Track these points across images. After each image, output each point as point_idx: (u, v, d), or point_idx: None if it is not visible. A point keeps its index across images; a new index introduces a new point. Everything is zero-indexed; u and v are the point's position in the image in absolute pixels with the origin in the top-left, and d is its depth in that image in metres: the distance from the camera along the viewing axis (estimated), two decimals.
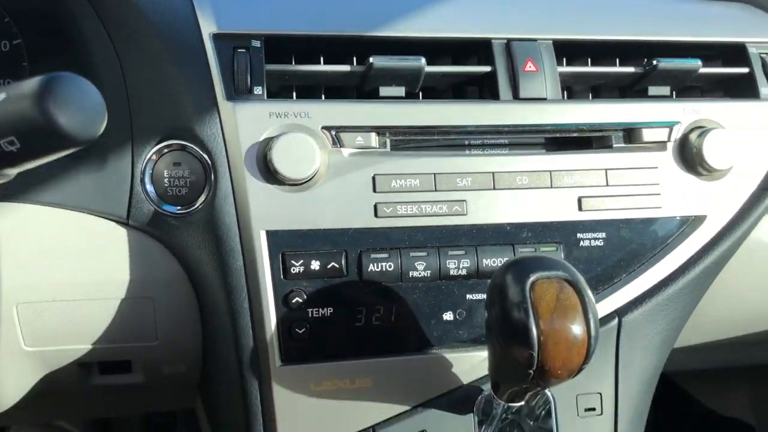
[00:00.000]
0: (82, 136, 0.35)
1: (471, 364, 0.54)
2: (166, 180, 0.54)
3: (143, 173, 0.53)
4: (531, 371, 0.43)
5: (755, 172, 0.60)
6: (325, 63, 0.56)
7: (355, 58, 0.55)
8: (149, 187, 0.53)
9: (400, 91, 0.56)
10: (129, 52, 0.55)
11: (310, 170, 0.51)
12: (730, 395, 1.33)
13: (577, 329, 0.42)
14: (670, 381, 1.32)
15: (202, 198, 0.53)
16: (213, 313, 0.55)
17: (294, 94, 0.56)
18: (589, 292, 0.43)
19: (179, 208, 0.54)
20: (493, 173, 0.55)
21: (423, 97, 0.57)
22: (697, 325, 0.72)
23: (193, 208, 0.53)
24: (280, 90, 0.56)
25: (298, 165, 0.51)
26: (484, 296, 0.54)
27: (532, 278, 0.43)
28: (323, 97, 0.56)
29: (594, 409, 0.55)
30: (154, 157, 0.53)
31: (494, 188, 0.55)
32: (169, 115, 0.53)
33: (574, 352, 0.42)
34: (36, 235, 0.54)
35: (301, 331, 0.52)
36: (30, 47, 0.59)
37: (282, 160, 0.51)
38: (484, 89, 0.58)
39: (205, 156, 0.53)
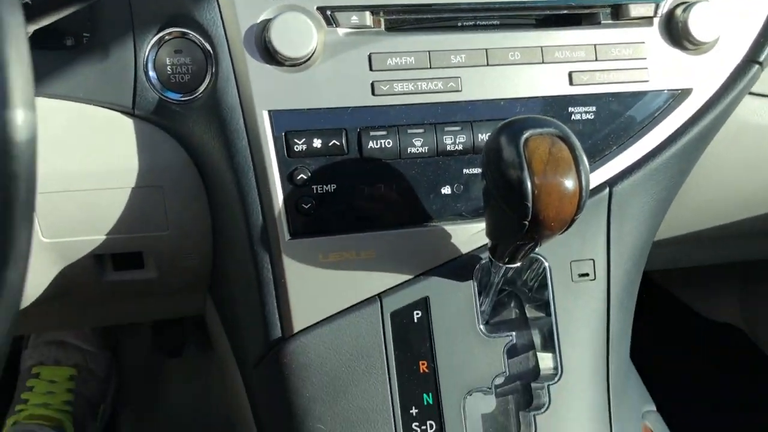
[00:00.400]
0: None
1: (469, 235, 0.57)
2: (168, 68, 0.55)
3: (146, 62, 0.55)
4: (526, 222, 0.45)
5: (739, 45, 0.62)
6: None
7: None
8: (152, 75, 0.55)
9: None
10: None
11: (307, 48, 0.53)
12: (719, 298, 1.38)
13: (568, 181, 0.44)
14: (657, 284, 1.36)
15: (204, 83, 0.55)
16: (222, 197, 0.57)
17: None
18: (580, 147, 0.46)
19: (183, 94, 0.55)
20: (486, 50, 0.56)
21: None
22: (684, 213, 0.75)
23: (197, 93, 0.55)
24: None
25: (296, 44, 0.53)
26: (479, 170, 0.56)
27: (525, 135, 0.45)
28: None
29: (587, 275, 0.58)
30: (155, 45, 0.55)
31: (487, 64, 0.56)
32: (169, 3, 0.55)
33: (566, 203, 0.45)
34: (44, 127, 0.55)
35: (307, 207, 0.54)
36: None
37: (280, 40, 0.52)
38: None
39: (205, 42, 0.55)
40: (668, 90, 0.61)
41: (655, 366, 0.82)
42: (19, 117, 0.28)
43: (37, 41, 0.44)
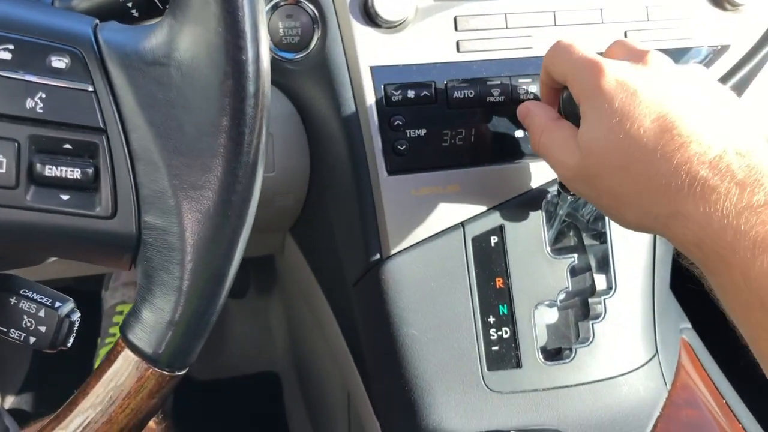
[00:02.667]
0: None
1: (538, 171, 0.66)
2: (280, 30, 0.64)
3: None
4: None
5: None
6: None
7: None
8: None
9: None
10: None
11: (405, 13, 0.62)
12: None
13: None
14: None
15: (313, 43, 0.64)
16: (325, 142, 0.67)
17: None
18: None
19: (295, 54, 0.65)
20: (554, 12, 0.65)
21: None
22: None
23: (307, 51, 0.65)
24: None
25: (396, 9, 0.62)
26: None
27: None
28: None
29: None
30: (269, 11, 0.64)
31: (555, 24, 0.65)
32: None
33: None
34: None
35: (401, 148, 0.64)
36: None
37: (383, 6, 0.62)
38: None
39: (314, 8, 0.64)
40: (709, 46, 0.69)
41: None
42: (264, 52, 0.36)
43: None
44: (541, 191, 0.66)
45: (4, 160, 0.34)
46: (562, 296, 0.67)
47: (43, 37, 0.35)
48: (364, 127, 0.64)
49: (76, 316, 0.44)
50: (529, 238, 0.66)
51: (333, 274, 0.75)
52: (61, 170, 0.35)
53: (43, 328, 0.42)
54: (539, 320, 0.66)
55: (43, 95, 0.35)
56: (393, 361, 0.66)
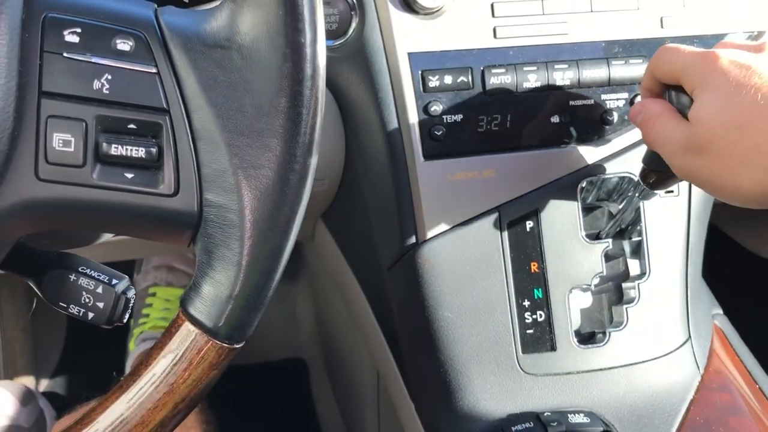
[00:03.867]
0: None
1: (572, 158, 0.67)
2: None
3: None
4: None
5: None
6: None
7: None
8: None
9: None
10: None
11: (443, 0, 0.63)
12: None
13: None
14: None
15: (351, 30, 0.65)
16: (362, 128, 0.68)
17: None
18: None
19: (332, 41, 0.66)
20: None
21: None
22: None
23: (345, 38, 0.66)
24: None
25: None
26: (583, 102, 0.66)
27: None
28: None
29: (672, 191, 0.68)
30: None
31: (591, 11, 0.66)
32: None
33: None
34: None
35: (438, 134, 0.65)
36: None
37: None
38: None
39: None
40: (744, 32, 0.69)
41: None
42: (321, 34, 0.38)
43: None
44: (577, 176, 0.67)
45: (72, 140, 0.35)
46: (596, 281, 0.67)
47: (108, 20, 0.37)
48: (401, 113, 0.65)
49: (132, 293, 0.46)
50: (564, 223, 0.67)
51: (366, 258, 0.77)
52: (126, 149, 0.36)
53: (101, 304, 0.44)
54: (573, 304, 0.67)
55: (109, 77, 0.36)
56: (428, 343, 0.67)
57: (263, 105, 0.36)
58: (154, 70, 0.36)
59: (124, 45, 0.36)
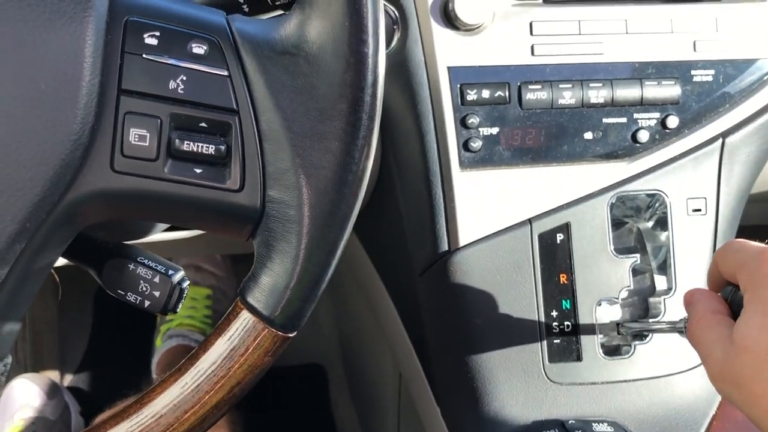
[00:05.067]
0: None
1: (603, 174, 0.69)
2: None
3: None
4: None
5: None
6: None
7: None
8: None
9: None
10: None
11: (484, 16, 0.65)
12: None
13: None
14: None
15: (393, 43, 0.68)
16: (400, 139, 0.70)
17: None
18: None
19: None
20: (626, 20, 0.68)
21: None
22: None
23: (388, 51, 0.68)
24: None
25: (476, 13, 0.65)
26: (616, 120, 0.68)
27: None
28: None
29: (700, 210, 0.70)
30: None
31: (626, 32, 0.68)
32: None
33: None
34: None
35: (474, 145, 0.67)
36: None
37: (463, 10, 0.65)
38: None
39: (396, 10, 0.67)
40: None
41: None
42: (382, 45, 0.39)
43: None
44: (608, 190, 0.69)
45: (148, 135, 0.38)
46: (623, 294, 0.69)
47: (185, 26, 0.39)
48: (438, 124, 0.67)
49: (186, 284, 0.48)
50: (593, 237, 0.68)
51: (397, 264, 0.79)
52: (197, 146, 0.38)
53: (157, 293, 0.46)
54: (601, 317, 0.69)
55: (184, 78, 0.38)
56: (457, 348, 0.69)
57: (326, 109, 0.38)
58: (226, 73, 0.39)
59: (199, 49, 0.39)
